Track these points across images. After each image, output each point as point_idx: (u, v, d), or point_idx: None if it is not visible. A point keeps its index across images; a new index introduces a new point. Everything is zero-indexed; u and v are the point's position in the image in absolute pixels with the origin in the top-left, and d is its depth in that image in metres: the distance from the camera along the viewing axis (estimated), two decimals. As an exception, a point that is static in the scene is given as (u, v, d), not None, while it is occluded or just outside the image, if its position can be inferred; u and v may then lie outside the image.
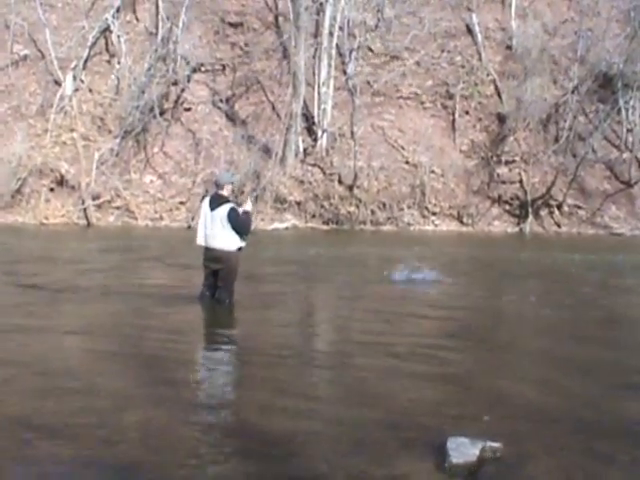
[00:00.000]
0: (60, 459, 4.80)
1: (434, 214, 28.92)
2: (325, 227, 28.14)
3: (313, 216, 28.48)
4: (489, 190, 29.33)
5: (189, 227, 9.54)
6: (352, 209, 28.41)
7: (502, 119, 30.31)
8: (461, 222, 28.85)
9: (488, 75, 31.24)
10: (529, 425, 5.58)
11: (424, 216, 28.78)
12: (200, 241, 10.41)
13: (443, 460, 4.75)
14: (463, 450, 4.79)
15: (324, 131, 29.58)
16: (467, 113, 30.83)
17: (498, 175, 29.50)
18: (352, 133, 29.14)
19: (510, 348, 8.58)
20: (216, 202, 10.31)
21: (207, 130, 30.08)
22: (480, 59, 31.47)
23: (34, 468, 4.68)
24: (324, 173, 28.99)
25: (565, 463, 4.90)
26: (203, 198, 12.06)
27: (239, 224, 10.19)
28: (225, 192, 10.40)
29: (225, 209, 10.12)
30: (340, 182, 28.72)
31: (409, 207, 28.67)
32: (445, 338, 8.90)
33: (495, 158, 29.79)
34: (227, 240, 10.18)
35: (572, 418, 5.82)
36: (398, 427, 5.45)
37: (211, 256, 10.34)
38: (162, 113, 30.51)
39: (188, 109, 31.28)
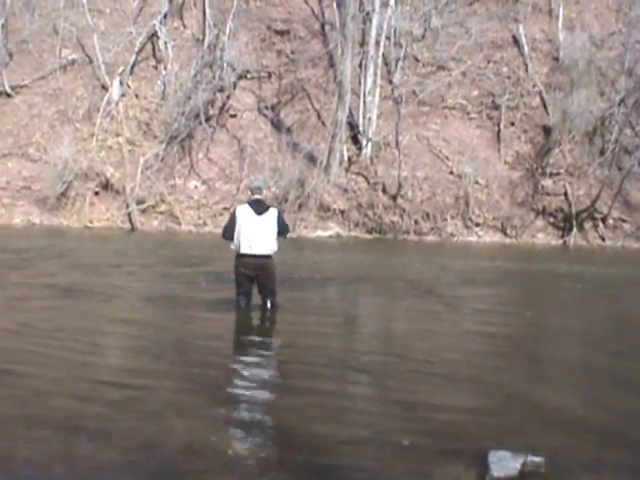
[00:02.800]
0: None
1: (477, 225, 28.76)
2: (368, 236, 28.10)
3: (356, 225, 28.46)
4: (533, 202, 29.12)
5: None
6: (395, 219, 28.34)
7: (548, 131, 30.12)
8: (504, 234, 28.67)
9: (534, 86, 31.07)
10: (572, 439, 5.47)
11: (467, 227, 28.63)
12: (245, 249, 10.09)
13: (484, 473, 4.66)
14: (504, 464, 4.71)
15: (369, 140, 29.58)
16: (512, 124, 30.67)
17: (543, 187, 29.29)
18: (397, 142, 29.06)
19: (552, 360, 8.48)
20: (261, 207, 10.23)
21: (252, 137, 30.17)
22: (526, 70, 31.33)
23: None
24: (368, 182, 28.97)
25: (608, 480, 4.80)
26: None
27: (286, 226, 10.49)
28: (262, 197, 10.53)
29: (274, 213, 10.23)
30: (384, 191, 28.68)
31: (452, 217, 28.53)
32: (486, 349, 8.84)
33: (540, 170, 29.59)
34: (273, 244, 10.21)
35: (616, 434, 5.69)
36: (439, 438, 5.38)
37: (255, 263, 10.14)
38: (207, 119, 30.70)
39: (233, 116, 31.46)
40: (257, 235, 10.05)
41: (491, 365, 7.95)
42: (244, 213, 10.15)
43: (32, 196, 30.36)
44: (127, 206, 29.45)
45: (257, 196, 10.36)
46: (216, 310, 10.76)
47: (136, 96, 32.17)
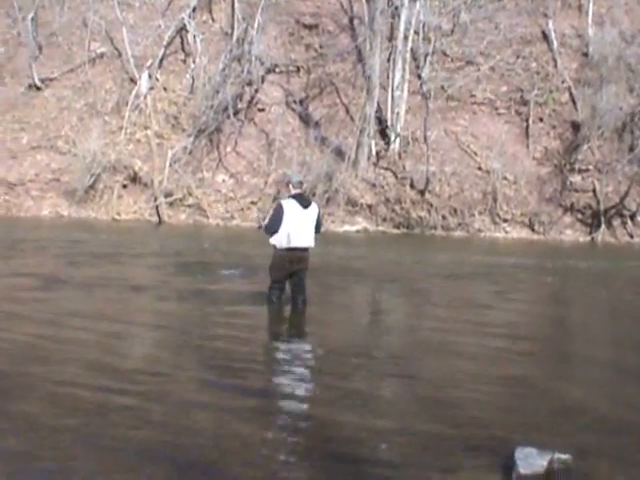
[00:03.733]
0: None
1: (505, 221, 28.67)
2: (396, 231, 28.10)
3: (384, 219, 28.47)
4: (562, 198, 28.97)
5: (259, 227, 9.28)
6: (423, 214, 28.33)
7: (576, 127, 29.94)
8: (532, 230, 28.56)
9: (563, 82, 30.89)
10: (599, 437, 5.43)
11: (495, 223, 28.54)
12: (293, 242, 10.03)
13: (510, 470, 4.64)
14: (531, 461, 4.67)
15: (397, 135, 29.53)
16: (541, 120, 30.52)
17: (571, 183, 29.12)
18: (425, 137, 29.02)
19: (580, 358, 8.44)
20: (305, 201, 10.32)
21: (280, 131, 30.20)
22: (555, 66, 31.15)
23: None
24: (396, 177, 28.96)
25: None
26: (275, 200, 11.46)
27: (321, 223, 10.54)
28: (303, 191, 10.70)
29: (315, 207, 10.31)
30: (412, 186, 28.65)
31: (480, 213, 28.46)
32: (514, 346, 8.79)
33: (568, 166, 29.42)
34: (313, 238, 10.27)
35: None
36: (465, 434, 5.36)
37: (299, 257, 10.16)
38: (236, 113, 30.78)
39: (262, 110, 31.52)
40: (303, 228, 10.06)
41: (518, 362, 7.94)
42: (290, 207, 10.06)
43: (61, 188, 30.59)
44: (155, 199, 29.62)
45: (298, 190, 10.34)
46: (246, 303, 10.87)
47: (164, 89, 32.30)
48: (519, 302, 12.71)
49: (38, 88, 33.66)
